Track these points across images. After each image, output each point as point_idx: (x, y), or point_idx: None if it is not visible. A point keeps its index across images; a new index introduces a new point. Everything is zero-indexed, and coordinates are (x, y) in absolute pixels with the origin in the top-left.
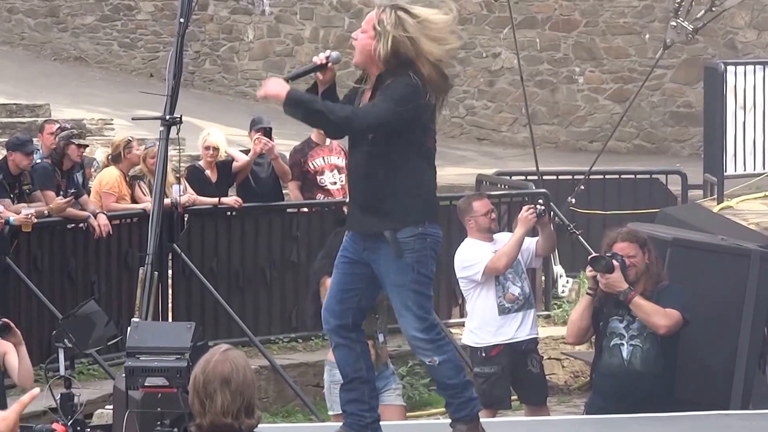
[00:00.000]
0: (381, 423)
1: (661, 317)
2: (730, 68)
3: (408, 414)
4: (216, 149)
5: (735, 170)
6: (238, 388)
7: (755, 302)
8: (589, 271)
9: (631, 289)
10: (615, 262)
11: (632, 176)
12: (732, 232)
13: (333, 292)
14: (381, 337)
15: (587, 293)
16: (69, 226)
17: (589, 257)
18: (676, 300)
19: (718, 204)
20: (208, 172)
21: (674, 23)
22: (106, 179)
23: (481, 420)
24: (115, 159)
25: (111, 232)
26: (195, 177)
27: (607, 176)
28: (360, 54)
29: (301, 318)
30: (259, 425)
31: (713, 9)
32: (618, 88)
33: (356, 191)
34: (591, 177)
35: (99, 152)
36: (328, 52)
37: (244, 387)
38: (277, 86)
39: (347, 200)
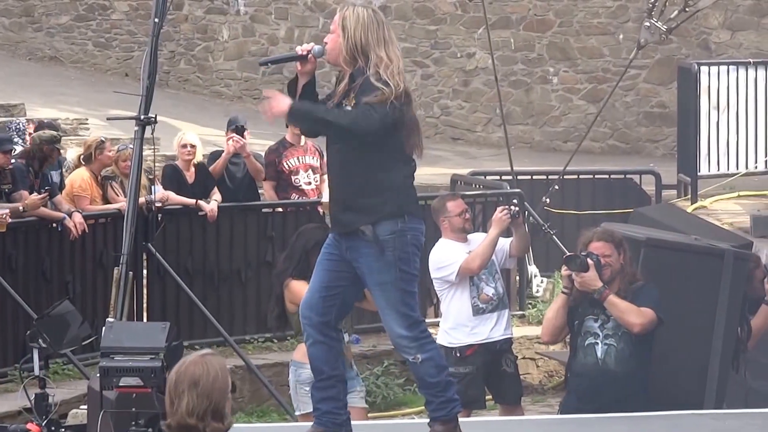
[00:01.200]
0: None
1: (636, 315)
2: (704, 68)
3: (383, 414)
4: (193, 146)
5: (709, 170)
6: (205, 390)
7: (728, 302)
8: (564, 270)
9: (606, 288)
10: (590, 261)
11: (606, 176)
12: (706, 232)
13: (315, 288)
14: (347, 338)
15: (562, 292)
16: (44, 226)
17: (564, 256)
18: (650, 299)
19: (691, 204)
20: (185, 172)
21: (648, 23)
22: (78, 182)
23: (464, 420)
24: (86, 159)
25: (87, 231)
26: (172, 177)
27: (581, 176)
28: (329, 53)
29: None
30: (235, 425)
31: (687, 9)
32: (592, 88)
33: (335, 191)
34: (565, 177)
35: (71, 152)
36: (312, 44)
37: (212, 390)
38: (279, 104)
39: (321, 200)
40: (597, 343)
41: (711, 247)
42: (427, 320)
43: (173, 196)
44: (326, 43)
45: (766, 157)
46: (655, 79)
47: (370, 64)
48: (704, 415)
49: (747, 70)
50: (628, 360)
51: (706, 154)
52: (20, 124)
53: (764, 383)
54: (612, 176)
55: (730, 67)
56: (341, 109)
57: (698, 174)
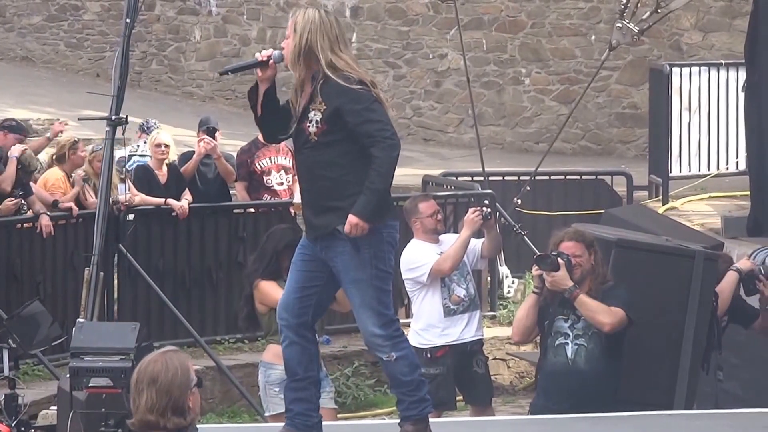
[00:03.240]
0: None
1: (606, 315)
2: (676, 70)
3: (353, 415)
4: (167, 146)
5: (680, 171)
6: (165, 387)
7: (699, 303)
8: (534, 270)
9: (576, 287)
10: (560, 261)
11: (578, 177)
12: (677, 233)
13: (291, 289)
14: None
15: (533, 292)
16: (15, 227)
17: (535, 256)
18: (620, 299)
19: (663, 205)
20: (158, 172)
21: (620, 25)
22: (52, 180)
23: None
24: (59, 159)
25: (53, 233)
26: (144, 177)
27: (552, 177)
28: (287, 58)
29: None
30: (206, 426)
31: (659, 11)
32: (564, 89)
33: (307, 195)
34: (537, 178)
35: (43, 152)
36: (271, 50)
37: (171, 387)
38: (358, 225)
39: (293, 201)
40: (567, 343)
41: (682, 248)
42: None
43: (144, 197)
44: (284, 48)
45: (737, 158)
46: (627, 81)
47: (322, 66)
48: (674, 415)
49: (719, 72)
50: (598, 360)
51: (677, 156)
52: None
53: (734, 384)
54: (583, 177)
55: (702, 68)
56: (374, 159)
57: (669, 175)
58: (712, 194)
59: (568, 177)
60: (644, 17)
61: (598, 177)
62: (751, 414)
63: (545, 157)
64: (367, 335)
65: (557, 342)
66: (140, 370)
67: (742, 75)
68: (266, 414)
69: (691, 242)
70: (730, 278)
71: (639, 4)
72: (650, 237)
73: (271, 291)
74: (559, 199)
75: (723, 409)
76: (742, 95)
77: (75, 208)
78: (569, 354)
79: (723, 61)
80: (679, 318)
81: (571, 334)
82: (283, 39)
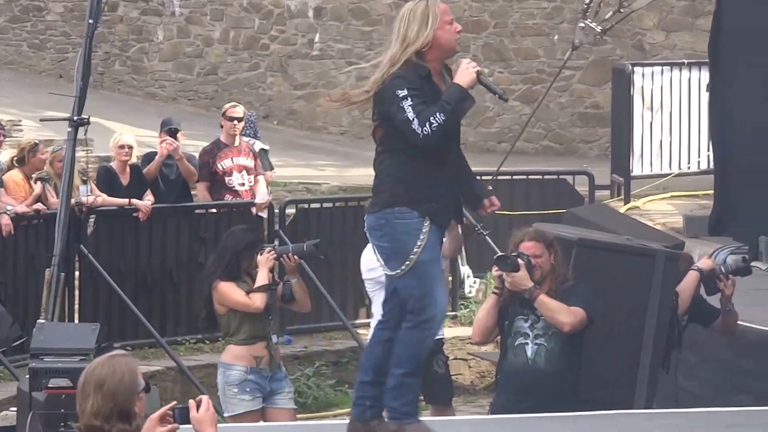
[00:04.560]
0: (275, 424)
1: (566, 315)
2: (638, 69)
3: (314, 415)
4: (130, 147)
5: (642, 171)
6: (110, 391)
7: (660, 302)
8: (495, 270)
9: (536, 287)
10: (520, 261)
11: (540, 177)
12: (638, 233)
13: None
14: (275, 338)
15: (493, 293)
16: None
17: (495, 256)
18: (580, 299)
19: (624, 204)
20: (120, 174)
21: (582, 24)
22: (11, 184)
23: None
24: (19, 161)
25: (13, 232)
26: (106, 178)
27: (514, 177)
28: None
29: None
30: None
31: (621, 10)
32: (527, 89)
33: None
34: (499, 177)
35: (4, 154)
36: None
37: (118, 391)
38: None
39: (255, 201)
40: (527, 343)
41: (642, 248)
42: (358, 321)
43: (106, 198)
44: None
45: (699, 157)
46: (590, 80)
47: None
48: (634, 415)
49: (681, 71)
50: (558, 360)
51: (639, 155)
52: None
53: (694, 383)
54: (545, 177)
55: (664, 68)
56: None
57: (631, 174)
58: (674, 193)
59: (530, 177)
60: (607, 17)
61: (560, 177)
62: (710, 413)
63: (507, 157)
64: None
65: (517, 342)
66: (87, 374)
67: (705, 74)
68: (225, 415)
69: (653, 241)
70: (690, 278)
71: (602, 4)
72: (611, 236)
73: (230, 292)
74: (522, 198)
75: (683, 408)
76: (704, 95)
77: (42, 207)
78: (529, 354)
79: (686, 61)
80: (640, 317)
81: (531, 334)
82: (245, 39)
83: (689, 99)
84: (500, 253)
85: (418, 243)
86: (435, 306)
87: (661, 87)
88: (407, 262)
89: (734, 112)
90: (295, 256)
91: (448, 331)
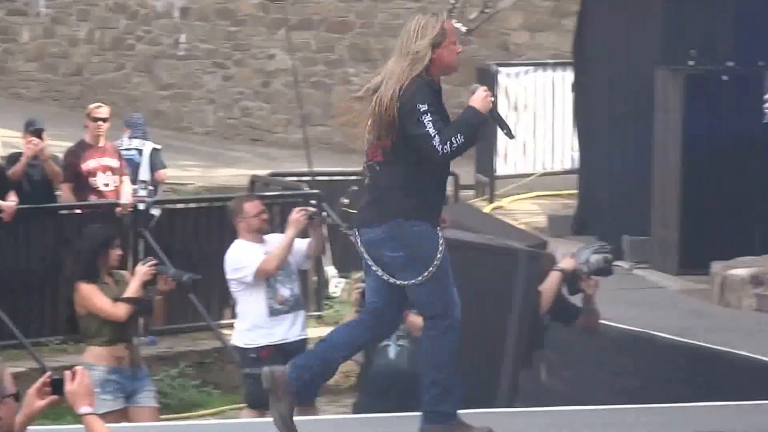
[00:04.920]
0: (138, 425)
1: None
2: (503, 69)
3: (178, 416)
4: None
5: (506, 171)
6: None
7: (522, 301)
8: (355, 290)
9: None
10: None
11: None
12: (502, 232)
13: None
14: (136, 339)
15: (356, 311)
16: None
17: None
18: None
19: (489, 204)
20: None
21: None
22: None
23: (250, 420)
24: None
25: None
26: None
27: None
28: None
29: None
30: (28, 428)
31: (486, 11)
32: None
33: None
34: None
35: None
36: None
37: None
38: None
39: (120, 201)
40: (390, 345)
41: (505, 247)
42: (223, 321)
43: None
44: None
45: (563, 157)
46: (455, 80)
47: None
48: (496, 413)
49: (546, 71)
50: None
51: (503, 155)
52: None
53: (556, 381)
54: None
55: (529, 68)
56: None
57: (495, 174)
58: (538, 193)
59: None
60: (472, 17)
61: None
62: (573, 411)
63: None
64: None
65: (381, 343)
66: None
67: (570, 74)
68: None
69: (516, 241)
70: (553, 278)
71: (467, 4)
72: (474, 236)
73: (93, 296)
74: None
75: (545, 406)
76: (569, 95)
77: None
78: (392, 355)
79: (550, 61)
80: (502, 316)
81: (394, 335)
82: (111, 39)
83: (554, 99)
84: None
85: (440, 248)
86: (456, 306)
87: (526, 87)
88: (431, 269)
89: (597, 111)
90: (172, 280)
91: (313, 331)
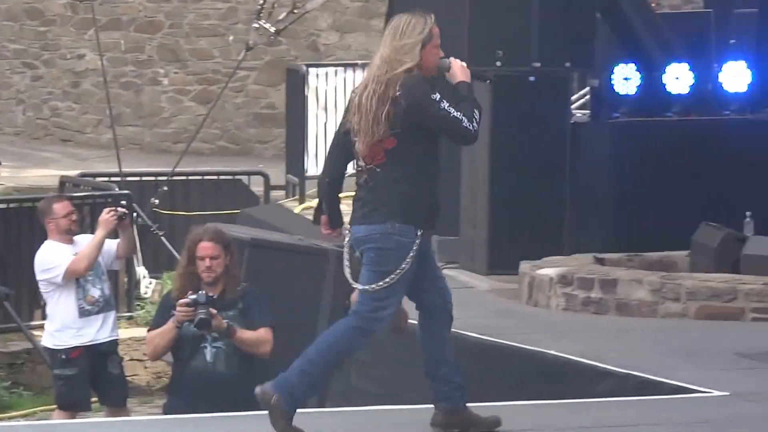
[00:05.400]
0: None
1: (264, 344)
2: (312, 70)
3: None
4: None
5: (317, 171)
6: None
7: (332, 300)
8: (179, 309)
9: (231, 325)
10: (212, 311)
11: (215, 177)
12: (313, 232)
13: None
14: None
15: (176, 327)
16: None
17: (201, 319)
18: (264, 312)
19: (300, 204)
20: None
21: (257, 25)
22: None
23: (60, 421)
24: None
25: None
26: None
27: (190, 177)
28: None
29: None
30: None
31: (295, 11)
32: (202, 89)
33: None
34: (175, 178)
35: None
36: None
37: None
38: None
39: None
40: (206, 347)
41: (314, 247)
42: (33, 322)
43: None
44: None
45: None
46: (265, 81)
47: None
48: (306, 413)
49: (355, 72)
50: (238, 362)
51: (314, 155)
52: None
53: (367, 381)
54: (221, 177)
55: (339, 68)
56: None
57: (306, 175)
58: (349, 193)
59: (205, 177)
60: (281, 18)
61: (236, 177)
62: (383, 411)
63: (183, 158)
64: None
65: (195, 344)
66: None
67: None
68: None
69: (326, 241)
70: None
71: (275, 5)
72: (284, 236)
73: None
74: (197, 199)
75: (356, 406)
76: None
77: None
78: (208, 357)
79: (359, 62)
80: (313, 315)
81: (209, 337)
82: None
83: None
84: (189, 298)
85: (403, 265)
86: (384, 321)
87: (336, 88)
88: (387, 280)
89: None
90: None
91: (124, 332)
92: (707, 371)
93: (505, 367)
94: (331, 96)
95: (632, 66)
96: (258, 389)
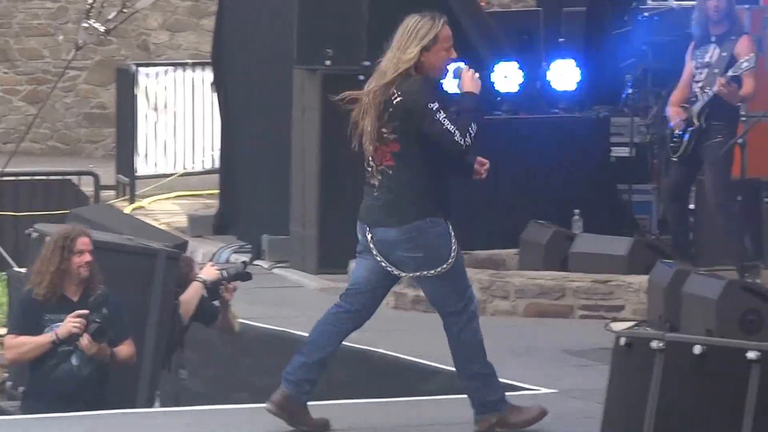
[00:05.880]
0: None
1: (132, 357)
2: (142, 69)
3: None
4: None
5: (147, 171)
6: None
7: (161, 301)
8: (71, 322)
9: (113, 352)
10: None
11: (44, 177)
12: (142, 233)
13: None
14: None
15: (52, 342)
16: None
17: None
18: (125, 322)
19: (130, 204)
20: None
21: (86, 24)
22: None
23: None
24: None
25: None
26: None
27: (20, 177)
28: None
29: None
30: None
31: (125, 10)
32: (32, 89)
33: None
34: (4, 179)
35: None
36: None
37: None
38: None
39: None
40: (72, 350)
41: (144, 247)
42: None
43: None
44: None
45: (203, 157)
46: (95, 81)
47: None
48: (133, 414)
49: (185, 71)
50: (98, 365)
51: (144, 155)
52: None
53: (197, 381)
54: (50, 177)
55: (169, 68)
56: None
57: (136, 174)
58: (179, 193)
59: (35, 177)
60: (110, 17)
61: (65, 177)
62: (212, 410)
63: (12, 158)
64: None
65: (60, 349)
66: None
67: (210, 74)
68: None
69: (156, 241)
70: (195, 288)
71: (105, 4)
72: (113, 236)
73: None
74: (26, 199)
75: (185, 406)
76: (209, 94)
77: None
78: (74, 361)
79: (190, 61)
80: (142, 316)
81: (75, 343)
82: None
83: (193, 99)
84: (99, 326)
85: (453, 248)
86: (474, 297)
87: (166, 87)
88: (444, 266)
89: (237, 110)
90: None
91: None
92: (535, 369)
93: (333, 366)
94: (161, 95)
95: (462, 65)
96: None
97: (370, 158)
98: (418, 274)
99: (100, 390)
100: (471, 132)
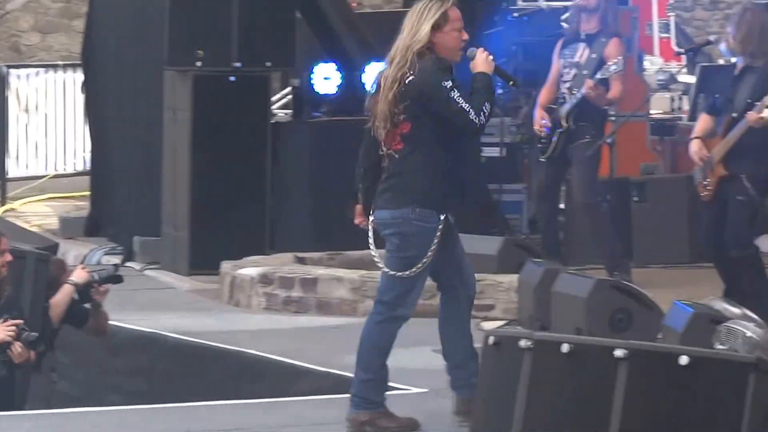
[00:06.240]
0: None
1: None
2: (14, 71)
3: None
4: None
5: (18, 173)
6: None
7: (30, 303)
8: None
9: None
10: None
11: None
12: (13, 235)
13: None
14: None
15: None
16: None
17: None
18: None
19: (1, 206)
20: None
21: None
22: None
23: None
24: None
25: None
26: None
27: None
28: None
29: None
30: None
31: None
32: None
33: None
34: None
35: None
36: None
37: None
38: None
39: None
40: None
41: (14, 249)
42: None
43: None
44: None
45: (75, 158)
46: None
47: None
48: (4, 417)
49: (56, 73)
50: (9, 367)
51: (15, 157)
52: None
53: (69, 384)
54: None
55: (41, 70)
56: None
57: (7, 176)
58: (51, 195)
59: None
60: None
61: None
62: (82, 413)
63: None
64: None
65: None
66: None
67: (81, 76)
68: None
69: (26, 243)
70: (66, 291)
71: None
72: None
73: None
74: None
75: (56, 409)
76: (80, 96)
77: None
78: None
79: (61, 63)
80: (12, 319)
81: None
82: None
83: (65, 100)
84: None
85: (429, 253)
86: (412, 305)
87: (37, 89)
88: (413, 269)
89: (108, 111)
90: None
91: None
92: (406, 368)
93: (204, 367)
94: (32, 97)
95: (332, 66)
96: (347, 423)
97: (382, 143)
98: (387, 271)
99: (11, 389)
100: (485, 111)
